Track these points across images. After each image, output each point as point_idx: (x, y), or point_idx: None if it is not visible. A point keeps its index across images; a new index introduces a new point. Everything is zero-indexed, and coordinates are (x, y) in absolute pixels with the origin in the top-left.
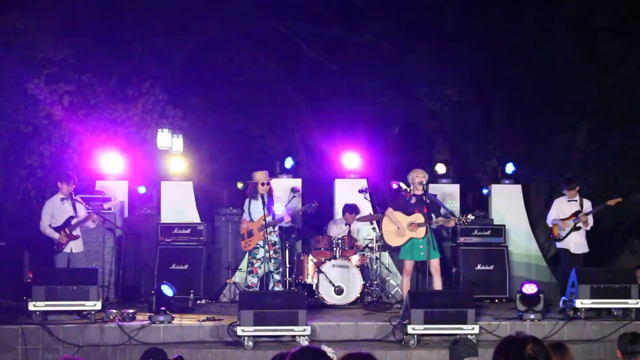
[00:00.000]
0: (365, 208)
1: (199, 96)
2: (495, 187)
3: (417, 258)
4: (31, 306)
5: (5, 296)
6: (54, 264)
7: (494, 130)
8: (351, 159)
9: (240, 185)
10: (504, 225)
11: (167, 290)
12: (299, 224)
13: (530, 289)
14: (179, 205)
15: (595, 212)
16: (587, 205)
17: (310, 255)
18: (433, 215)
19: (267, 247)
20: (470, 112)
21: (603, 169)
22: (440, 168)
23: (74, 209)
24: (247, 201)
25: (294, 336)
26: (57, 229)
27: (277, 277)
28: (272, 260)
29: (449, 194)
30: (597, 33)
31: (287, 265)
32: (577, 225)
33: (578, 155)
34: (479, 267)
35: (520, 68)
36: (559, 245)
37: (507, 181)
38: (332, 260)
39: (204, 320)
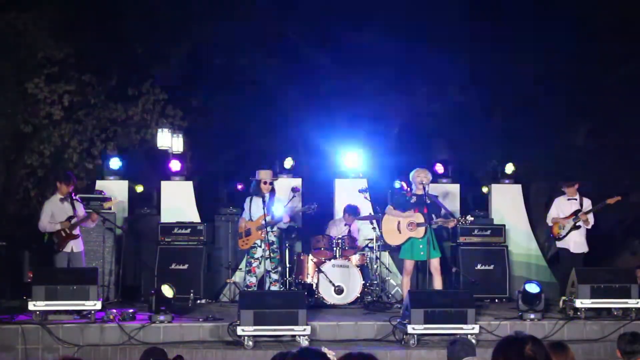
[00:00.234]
0: (365, 208)
1: (199, 96)
2: (495, 187)
3: (417, 258)
4: (31, 306)
5: (5, 296)
6: (53, 263)
7: (494, 130)
8: (351, 158)
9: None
10: (504, 225)
11: (168, 290)
12: (299, 224)
13: (533, 287)
14: (178, 205)
15: (595, 211)
16: (587, 204)
17: (310, 255)
18: (433, 215)
19: (264, 246)
20: (470, 112)
21: (603, 168)
22: (440, 168)
23: (73, 208)
24: (247, 200)
25: (294, 336)
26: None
27: (275, 276)
28: (270, 260)
29: (450, 193)
30: (597, 33)
31: (287, 265)
32: (577, 224)
33: (578, 155)
34: (479, 266)
35: (520, 67)
36: (558, 244)
37: (507, 181)
38: (332, 260)
39: (204, 320)
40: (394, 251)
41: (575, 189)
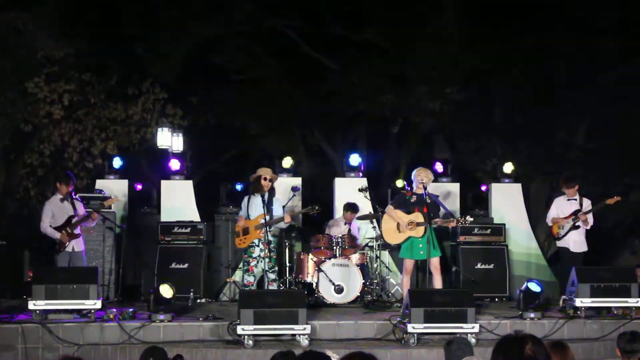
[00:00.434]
0: (365, 207)
1: (199, 95)
2: (495, 186)
3: (417, 257)
4: (31, 305)
5: (5, 295)
6: (54, 263)
7: (494, 130)
8: (351, 158)
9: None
10: (504, 224)
11: (166, 291)
12: (298, 223)
13: (536, 286)
14: (178, 204)
15: (595, 211)
16: (587, 204)
17: (310, 254)
18: (433, 215)
19: (262, 245)
20: (470, 111)
21: (603, 168)
22: (440, 167)
23: (74, 208)
24: (245, 198)
25: (294, 335)
26: (58, 229)
27: (272, 276)
28: (267, 259)
29: (450, 193)
30: (597, 33)
31: (287, 264)
32: (577, 224)
33: (578, 154)
34: (479, 265)
35: (520, 67)
36: (558, 243)
37: (507, 180)
38: (332, 259)
39: (204, 319)
40: (394, 250)
41: (575, 190)
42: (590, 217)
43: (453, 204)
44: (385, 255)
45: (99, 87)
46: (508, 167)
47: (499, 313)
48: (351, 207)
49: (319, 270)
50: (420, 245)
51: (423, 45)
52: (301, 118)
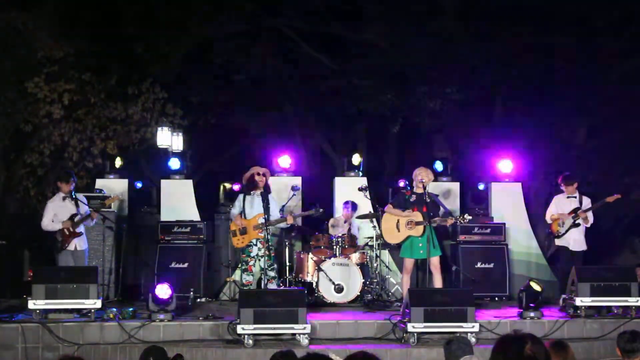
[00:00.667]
0: (365, 206)
1: (198, 95)
2: (495, 185)
3: (417, 256)
4: (31, 304)
5: (5, 295)
6: (56, 262)
7: (494, 129)
8: (351, 157)
9: (227, 185)
10: (504, 224)
11: (163, 292)
12: (298, 223)
13: (538, 286)
14: (178, 204)
15: (594, 209)
16: (587, 202)
17: (310, 253)
18: (432, 214)
19: (260, 244)
20: (471, 111)
21: (603, 167)
22: (440, 166)
23: (76, 206)
24: (241, 197)
25: (294, 334)
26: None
27: (271, 273)
28: (266, 257)
29: (450, 192)
30: (597, 32)
31: (287, 264)
32: (576, 222)
33: (578, 153)
34: (479, 265)
35: (520, 66)
36: (558, 242)
37: (507, 179)
38: (332, 259)
39: (204, 319)
40: (394, 249)
41: (575, 188)
42: (590, 215)
43: (453, 203)
44: (385, 255)
45: (99, 87)
46: (507, 167)
47: (499, 312)
48: (350, 205)
49: (319, 269)
50: (420, 245)
51: (423, 45)
52: (301, 118)
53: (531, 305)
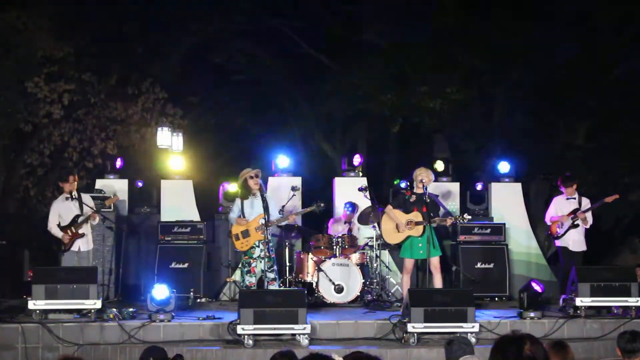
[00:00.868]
0: (365, 206)
1: (198, 95)
2: (495, 186)
3: (417, 256)
4: (31, 305)
5: (5, 295)
6: (60, 263)
7: (494, 129)
8: (351, 157)
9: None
10: (504, 224)
11: (160, 292)
12: (298, 223)
13: (539, 286)
14: (178, 204)
15: (594, 209)
16: (586, 202)
17: (310, 253)
18: (432, 214)
19: (262, 246)
20: (470, 111)
21: (602, 167)
22: (440, 166)
23: (80, 207)
24: (238, 200)
25: (294, 335)
26: (63, 229)
27: (272, 275)
28: (267, 259)
29: (450, 192)
30: (597, 32)
31: (287, 264)
32: (576, 222)
33: (577, 154)
34: (479, 265)
35: (520, 66)
36: (557, 243)
37: (507, 180)
38: (332, 259)
39: (204, 319)
40: (394, 250)
41: (574, 189)
42: (589, 216)
43: (453, 204)
44: (385, 255)
45: (99, 87)
46: (507, 167)
47: (499, 312)
48: (350, 206)
49: (319, 269)
50: (420, 245)
51: (423, 45)
52: (301, 118)
53: (531, 305)
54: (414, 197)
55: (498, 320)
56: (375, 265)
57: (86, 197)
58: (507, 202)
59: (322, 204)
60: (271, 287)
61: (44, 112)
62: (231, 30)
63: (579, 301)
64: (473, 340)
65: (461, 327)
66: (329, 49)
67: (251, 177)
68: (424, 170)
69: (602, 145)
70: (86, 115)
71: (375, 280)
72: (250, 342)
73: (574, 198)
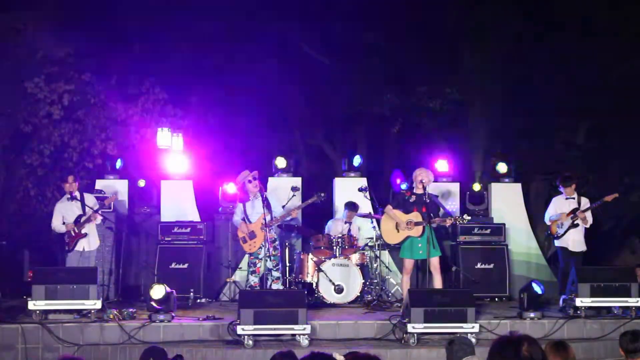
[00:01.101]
0: (366, 207)
1: (198, 95)
2: (495, 186)
3: (417, 256)
4: (31, 305)
5: (5, 295)
6: (64, 263)
7: (494, 129)
8: (351, 157)
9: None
10: (504, 224)
11: (158, 292)
12: (298, 223)
13: (539, 287)
14: (179, 204)
15: (593, 209)
16: (585, 202)
17: (310, 254)
18: (432, 215)
19: (267, 245)
20: (471, 111)
21: (602, 167)
22: (440, 166)
23: (83, 207)
24: (240, 204)
25: (294, 335)
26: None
27: (276, 274)
28: (271, 258)
29: (450, 192)
30: (596, 32)
31: (287, 264)
32: (575, 222)
33: (577, 154)
34: (478, 265)
35: (520, 66)
36: (557, 243)
37: (507, 180)
38: (332, 259)
39: (204, 319)
40: (394, 250)
41: (573, 189)
42: (589, 216)
43: (453, 204)
44: (385, 255)
45: (98, 87)
46: (502, 167)
47: (498, 313)
48: (351, 206)
49: (319, 270)
50: (420, 245)
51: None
52: (301, 118)
53: (531, 305)
54: (413, 198)
55: (498, 321)
56: (375, 265)
57: (89, 197)
58: (507, 202)
59: (322, 194)
60: (275, 286)
61: (43, 113)
62: (231, 30)
63: (579, 301)
64: (473, 340)
65: (461, 327)
66: (329, 49)
67: (249, 181)
68: (423, 170)
69: (603, 146)
70: (86, 115)
71: (375, 281)
72: (250, 342)
73: (573, 198)
